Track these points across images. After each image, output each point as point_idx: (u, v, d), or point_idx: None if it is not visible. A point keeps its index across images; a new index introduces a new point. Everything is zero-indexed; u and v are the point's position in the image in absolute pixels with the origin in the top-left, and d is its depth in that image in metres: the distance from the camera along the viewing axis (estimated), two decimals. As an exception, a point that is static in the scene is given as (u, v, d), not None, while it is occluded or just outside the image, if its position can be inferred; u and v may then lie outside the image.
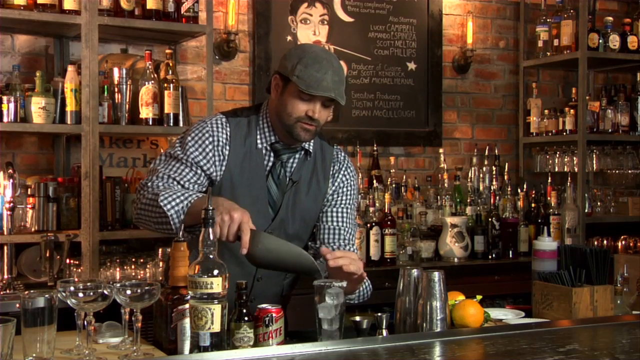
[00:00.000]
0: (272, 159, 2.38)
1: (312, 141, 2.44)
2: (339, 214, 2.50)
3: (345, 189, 2.51)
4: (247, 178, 2.35)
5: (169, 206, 2.14)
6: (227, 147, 2.33)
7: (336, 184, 2.49)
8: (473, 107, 4.87)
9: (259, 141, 2.37)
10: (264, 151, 2.37)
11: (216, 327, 1.80)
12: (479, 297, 2.33)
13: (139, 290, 1.89)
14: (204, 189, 2.31)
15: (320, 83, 2.21)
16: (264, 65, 4.22)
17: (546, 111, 4.75)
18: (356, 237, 2.61)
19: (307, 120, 2.27)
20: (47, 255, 3.26)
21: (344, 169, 2.52)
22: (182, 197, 2.16)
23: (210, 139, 2.32)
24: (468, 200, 4.30)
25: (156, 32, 3.66)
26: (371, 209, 3.92)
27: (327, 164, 2.48)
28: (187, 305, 1.87)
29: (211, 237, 1.85)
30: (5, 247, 3.26)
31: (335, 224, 2.48)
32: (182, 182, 2.28)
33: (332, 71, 2.23)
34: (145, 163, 3.90)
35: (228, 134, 2.33)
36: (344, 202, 2.51)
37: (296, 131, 2.29)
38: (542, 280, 2.47)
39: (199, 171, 2.31)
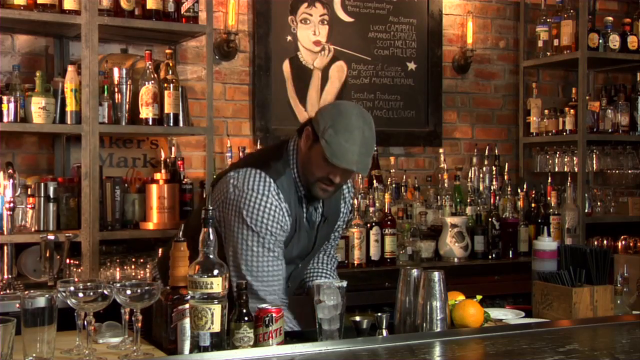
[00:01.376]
0: (305, 204, 2.41)
1: None
2: (337, 233, 2.67)
3: (347, 209, 2.64)
4: (293, 227, 2.38)
5: None
6: (288, 212, 2.34)
7: (347, 206, 2.62)
8: (473, 107, 4.86)
9: (297, 194, 2.39)
10: (302, 199, 2.41)
11: (216, 327, 1.81)
12: (479, 297, 2.33)
13: (139, 290, 1.90)
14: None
15: (346, 155, 2.22)
16: (264, 65, 4.22)
17: (546, 111, 4.75)
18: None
19: (327, 182, 2.31)
20: (47, 255, 3.26)
21: (350, 187, 2.64)
22: None
23: (282, 212, 2.31)
24: (468, 200, 4.30)
25: (156, 32, 3.66)
26: (371, 209, 3.92)
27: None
28: (187, 305, 1.87)
29: (211, 237, 1.85)
30: (5, 247, 3.26)
31: (332, 238, 2.66)
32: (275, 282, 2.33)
33: (360, 142, 2.23)
34: (146, 163, 3.90)
35: (282, 201, 2.32)
36: (342, 221, 2.64)
37: (315, 190, 2.34)
38: (542, 280, 2.47)
39: (282, 244, 2.35)
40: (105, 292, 1.89)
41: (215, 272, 1.81)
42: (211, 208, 1.88)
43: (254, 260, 2.29)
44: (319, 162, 2.27)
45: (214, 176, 3.24)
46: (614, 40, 4.55)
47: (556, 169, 4.74)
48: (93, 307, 1.88)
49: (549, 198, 4.37)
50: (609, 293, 2.39)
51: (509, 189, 4.37)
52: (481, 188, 4.47)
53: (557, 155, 4.74)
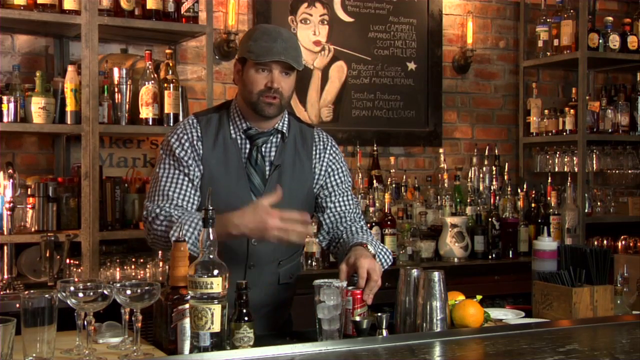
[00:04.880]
0: (248, 146, 2.42)
1: (288, 124, 2.47)
2: (341, 199, 2.53)
3: (336, 168, 2.54)
4: (224, 168, 2.38)
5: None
6: (200, 144, 2.39)
7: (324, 164, 2.52)
8: (473, 107, 4.87)
9: (232, 131, 2.41)
10: (238, 140, 2.41)
11: (216, 327, 1.81)
12: (479, 297, 2.33)
13: (139, 290, 1.89)
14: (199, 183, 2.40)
15: (270, 50, 2.28)
16: (264, 65, 4.21)
17: (546, 111, 4.75)
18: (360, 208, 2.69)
19: (268, 93, 2.31)
20: (47, 255, 3.26)
21: (328, 148, 2.54)
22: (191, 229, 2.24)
23: (185, 137, 2.39)
24: (468, 200, 4.30)
25: (156, 32, 3.66)
26: (371, 209, 3.92)
27: (309, 145, 2.51)
28: (187, 305, 1.87)
29: (211, 237, 1.85)
30: (5, 247, 3.26)
31: (340, 209, 2.53)
32: (182, 200, 2.36)
33: (281, 39, 2.30)
34: (146, 163, 3.91)
35: (199, 131, 2.40)
36: (339, 184, 2.54)
37: (260, 106, 2.34)
38: (542, 280, 2.46)
39: (191, 170, 2.37)
40: (105, 292, 1.89)
41: (215, 272, 1.81)
42: (211, 208, 1.88)
43: (153, 184, 2.41)
44: (253, 77, 2.32)
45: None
46: (614, 40, 4.55)
47: (556, 169, 4.74)
48: (93, 307, 1.88)
49: (549, 198, 4.37)
50: (609, 293, 2.39)
51: (509, 189, 4.38)
52: (481, 188, 4.47)
53: (557, 155, 4.74)
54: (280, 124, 2.44)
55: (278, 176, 2.42)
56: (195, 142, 2.38)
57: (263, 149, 2.42)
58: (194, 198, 2.38)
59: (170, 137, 2.42)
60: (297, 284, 2.60)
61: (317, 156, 2.51)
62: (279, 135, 2.45)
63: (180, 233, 2.08)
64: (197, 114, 2.49)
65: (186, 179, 2.37)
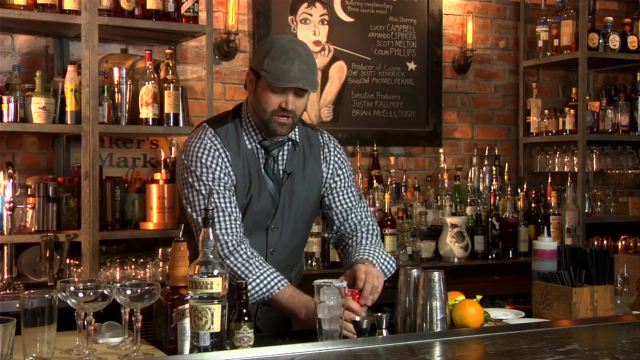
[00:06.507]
0: (263, 155, 2.42)
1: (298, 130, 2.48)
2: (346, 195, 2.55)
3: (341, 169, 2.56)
4: (248, 179, 2.39)
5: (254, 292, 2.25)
6: (228, 158, 2.37)
7: (331, 167, 2.54)
8: (473, 107, 4.86)
9: (247, 142, 2.41)
10: (254, 150, 2.41)
11: (216, 327, 1.81)
12: (479, 297, 2.33)
13: (139, 290, 1.90)
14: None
15: (287, 74, 2.25)
16: (264, 65, 4.21)
17: (546, 111, 4.75)
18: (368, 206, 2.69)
19: (281, 113, 2.31)
20: (47, 255, 3.26)
21: (332, 149, 2.56)
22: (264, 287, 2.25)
23: (217, 153, 2.36)
24: (468, 200, 4.30)
25: (156, 32, 3.66)
26: (371, 209, 3.91)
27: (316, 149, 2.53)
28: (187, 305, 1.87)
29: (211, 237, 1.85)
30: (5, 247, 3.26)
31: (345, 205, 2.55)
32: (237, 213, 2.33)
33: (299, 61, 2.26)
34: (145, 163, 3.90)
35: (222, 144, 2.38)
36: (344, 182, 2.56)
37: (272, 126, 2.34)
38: (542, 280, 2.46)
39: (228, 185, 2.35)
40: (105, 292, 1.89)
41: (215, 272, 1.81)
42: (211, 208, 1.88)
43: (200, 200, 2.33)
44: (267, 96, 2.30)
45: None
46: (614, 40, 4.55)
47: (556, 169, 4.74)
48: (93, 307, 1.88)
49: (549, 198, 4.37)
50: (609, 293, 2.39)
51: (509, 189, 4.38)
52: (481, 188, 4.47)
53: (557, 155, 4.74)
54: (292, 133, 2.45)
55: (291, 183, 2.44)
56: (226, 158, 2.36)
57: (278, 159, 2.45)
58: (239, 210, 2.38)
59: (200, 155, 2.35)
60: (300, 275, 2.65)
61: (325, 160, 2.54)
62: (290, 143, 2.46)
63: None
64: (213, 125, 2.42)
65: (229, 193, 2.35)
